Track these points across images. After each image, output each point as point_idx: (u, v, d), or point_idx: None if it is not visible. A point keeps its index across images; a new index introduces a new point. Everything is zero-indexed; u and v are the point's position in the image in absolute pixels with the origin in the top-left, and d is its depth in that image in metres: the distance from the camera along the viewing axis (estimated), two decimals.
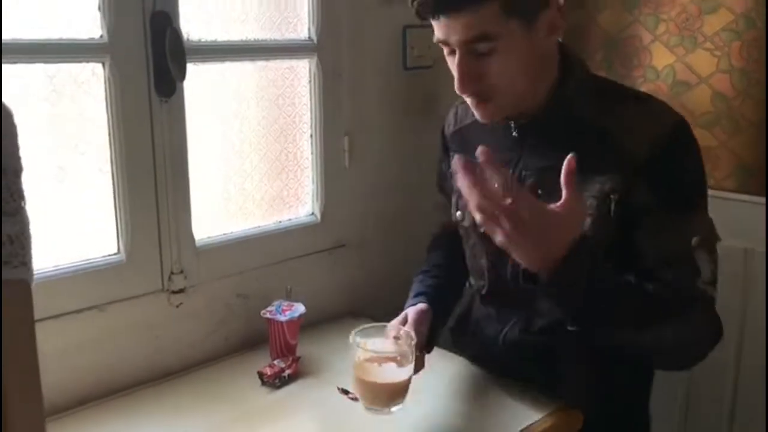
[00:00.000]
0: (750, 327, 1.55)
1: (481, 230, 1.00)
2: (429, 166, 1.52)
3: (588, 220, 1.07)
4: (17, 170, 0.65)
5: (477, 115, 1.13)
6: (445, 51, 1.10)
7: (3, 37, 1.09)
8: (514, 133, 1.17)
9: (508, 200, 0.90)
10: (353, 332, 1.18)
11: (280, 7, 1.50)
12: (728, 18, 1.51)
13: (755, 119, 1.50)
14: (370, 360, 1.15)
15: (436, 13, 1.04)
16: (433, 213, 1.45)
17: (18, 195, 0.64)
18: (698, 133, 1.51)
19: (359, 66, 1.63)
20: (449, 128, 1.35)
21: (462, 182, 0.92)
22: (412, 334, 1.18)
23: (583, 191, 1.08)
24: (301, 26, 1.53)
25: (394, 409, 1.17)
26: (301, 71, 1.55)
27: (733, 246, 1.50)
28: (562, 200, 0.95)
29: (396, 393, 1.16)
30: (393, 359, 1.16)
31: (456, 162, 0.92)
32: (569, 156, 0.96)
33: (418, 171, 1.72)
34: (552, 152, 1.08)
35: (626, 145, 1.07)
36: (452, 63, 1.09)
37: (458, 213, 1.29)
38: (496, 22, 1.02)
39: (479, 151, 0.92)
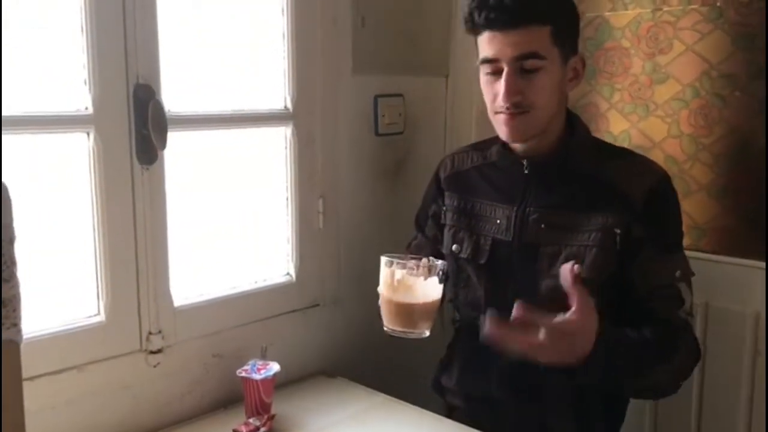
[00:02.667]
0: (709, 378, 1.61)
1: (481, 261, 1.32)
2: (400, 226, 1.59)
3: (594, 250, 1.25)
4: (12, 239, 0.70)
5: (508, 133, 1.27)
6: (488, 70, 1.24)
7: None
8: (525, 171, 1.31)
9: (541, 336, 1.07)
10: (384, 255, 1.21)
11: (257, 79, 1.58)
12: (676, 88, 1.62)
13: (704, 182, 1.60)
14: (407, 278, 1.17)
15: (500, 26, 1.19)
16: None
17: (11, 261, 0.70)
18: None
19: (333, 133, 1.71)
20: (445, 171, 1.47)
21: (496, 338, 1.10)
22: (434, 259, 1.21)
23: (587, 225, 1.25)
24: (277, 96, 1.61)
25: (427, 331, 1.19)
26: (278, 138, 1.63)
27: None
28: (574, 308, 1.09)
29: (432, 311, 1.19)
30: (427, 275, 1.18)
31: (488, 323, 1.09)
32: (571, 264, 1.11)
33: (390, 231, 1.78)
34: (556, 193, 1.29)
35: (624, 192, 1.25)
36: (490, 83, 1.25)
37: (455, 246, 1.40)
38: (545, 44, 1.20)
39: (515, 311, 1.09)
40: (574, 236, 1.27)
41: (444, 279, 1.21)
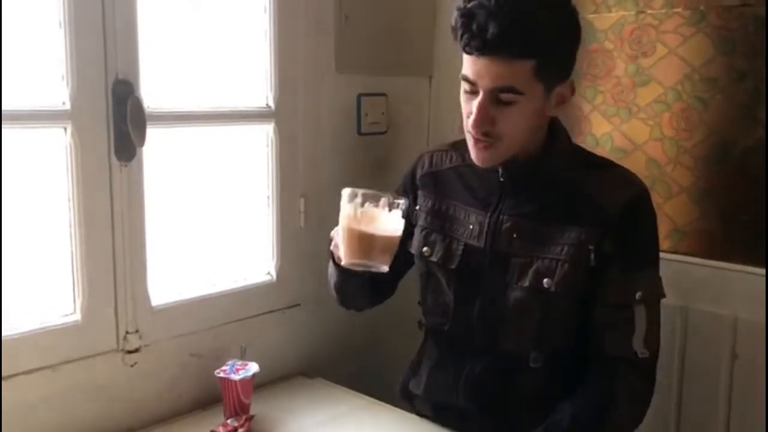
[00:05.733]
0: (687, 381, 1.62)
1: (452, 267, 1.27)
2: None
3: (565, 265, 1.21)
4: None
5: (475, 158, 1.24)
6: (466, 88, 1.20)
7: None
8: (501, 178, 1.27)
9: None
10: (346, 189, 1.16)
11: (238, 76, 1.57)
12: (658, 91, 1.63)
13: (685, 185, 1.61)
14: (370, 209, 1.14)
15: (479, 54, 1.14)
16: None
17: None
18: None
19: (315, 131, 1.69)
20: (422, 170, 1.42)
21: None
22: (398, 197, 1.18)
23: (560, 238, 1.22)
24: (259, 94, 1.60)
25: (386, 267, 1.15)
26: (259, 136, 1.61)
27: (669, 304, 1.58)
28: None
29: (393, 246, 1.16)
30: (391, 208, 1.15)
31: None
32: None
33: None
34: (531, 202, 1.25)
35: (599, 204, 1.21)
36: (468, 101, 1.20)
37: (425, 248, 1.35)
38: (524, 79, 1.15)
39: None
40: (547, 248, 1.23)
41: (405, 214, 1.17)
